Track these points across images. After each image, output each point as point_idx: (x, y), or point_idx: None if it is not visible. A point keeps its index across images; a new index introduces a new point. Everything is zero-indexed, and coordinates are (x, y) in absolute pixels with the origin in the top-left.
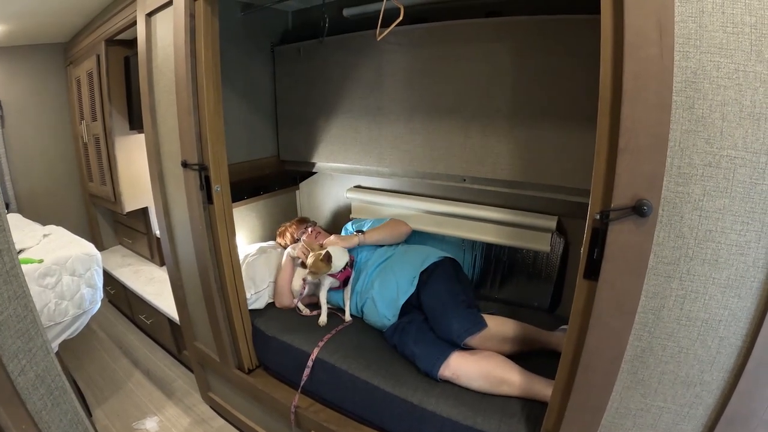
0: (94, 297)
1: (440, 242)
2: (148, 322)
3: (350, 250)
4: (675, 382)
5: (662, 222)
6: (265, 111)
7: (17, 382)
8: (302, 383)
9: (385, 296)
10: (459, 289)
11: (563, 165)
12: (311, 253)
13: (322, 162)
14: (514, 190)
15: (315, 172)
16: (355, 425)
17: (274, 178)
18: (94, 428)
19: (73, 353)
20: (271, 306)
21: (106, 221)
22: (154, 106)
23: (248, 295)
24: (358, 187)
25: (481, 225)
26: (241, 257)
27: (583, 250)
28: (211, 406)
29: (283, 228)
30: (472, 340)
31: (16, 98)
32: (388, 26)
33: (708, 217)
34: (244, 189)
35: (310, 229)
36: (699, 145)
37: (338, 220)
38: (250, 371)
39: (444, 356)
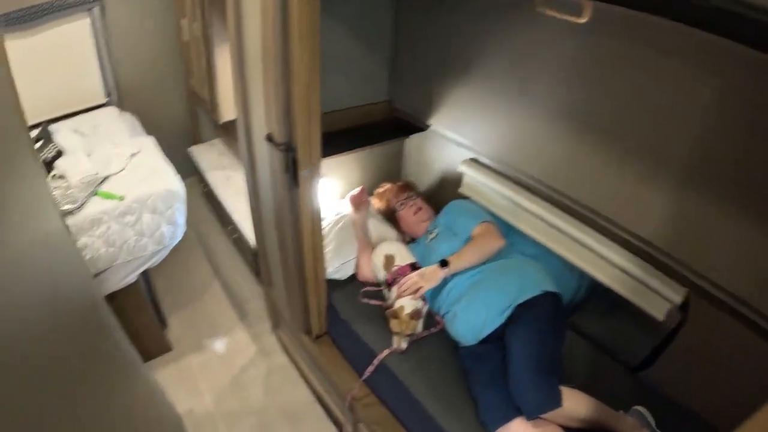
0: (174, 233)
1: (548, 254)
2: (233, 237)
3: None
4: None
5: None
6: (379, 50)
7: None
8: (363, 378)
9: (469, 319)
10: (549, 344)
11: (729, 257)
12: (394, 320)
13: (439, 127)
14: (650, 250)
15: (429, 126)
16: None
17: (382, 125)
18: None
19: None
20: (353, 279)
21: (208, 117)
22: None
23: (333, 267)
24: (475, 161)
25: (601, 261)
26: (332, 216)
27: None
28: (278, 340)
29: (383, 190)
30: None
31: None
32: None
33: None
34: (345, 139)
35: (410, 203)
36: None
37: (446, 189)
38: (317, 337)
39: (506, 419)
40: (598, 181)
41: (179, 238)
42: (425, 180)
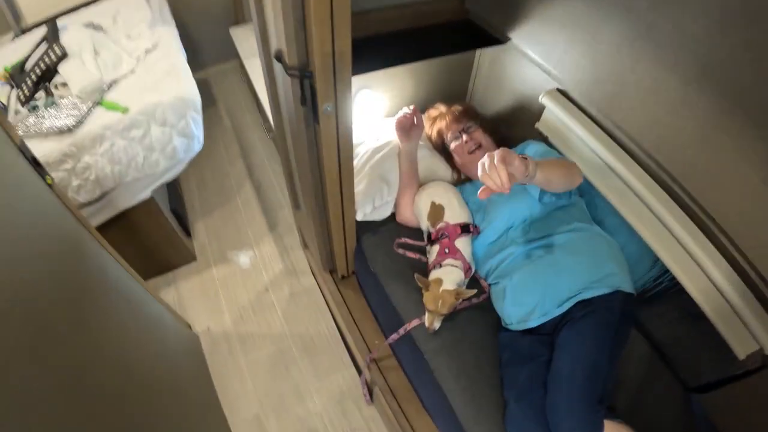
0: (189, 146)
1: (630, 233)
2: (269, 135)
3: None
4: None
5: None
6: None
7: None
8: (387, 342)
9: (518, 300)
10: (605, 363)
11: None
12: (427, 293)
13: (522, 43)
14: (759, 283)
15: (509, 39)
16: (417, 407)
17: (449, 29)
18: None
19: None
20: (391, 218)
21: None
22: None
23: (365, 211)
24: (562, 94)
25: (696, 270)
26: (370, 142)
27: None
28: (307, 260)
29: (437, 113)
30: None
31: None
32: None
33: None
34: (399, 44)
35: (465, 137)
36: None
37: (518, 121)
38: (343, 277)
39: None
40: (726, 180)
41: (196, 151)
42: (494, 105)
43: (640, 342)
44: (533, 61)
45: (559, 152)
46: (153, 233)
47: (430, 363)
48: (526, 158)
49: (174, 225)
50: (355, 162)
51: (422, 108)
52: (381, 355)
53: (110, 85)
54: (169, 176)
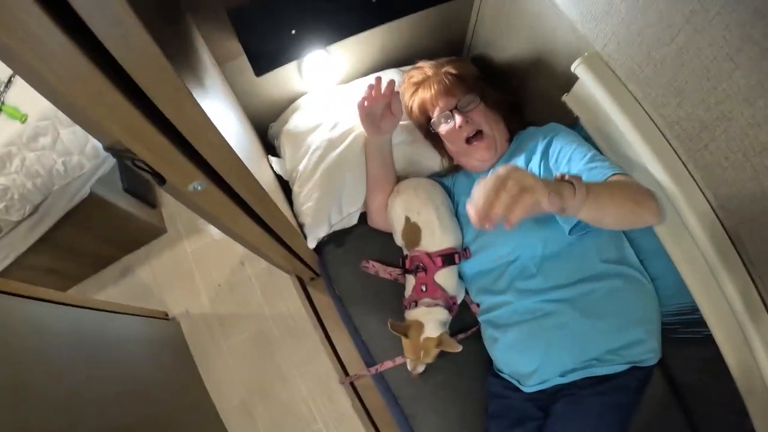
0: None
1: (668, 256)
2: None
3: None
4: None
5: None
6: None
7: None
8: (361, 373)
9: (511, 359)
10: None
11: None
12: (407, 341)
13: None
14: None
15: None
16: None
17: None
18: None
19: None
20: (360, 224)
21: None
22: None
23: (321, 231)
24: (603, 64)
25: (741, 340)
26: (330, 129)
27: None
28: None
29: (420, 77)
30: None
31: None
32: None
33: None
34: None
35: (458, 119)
36: None
37: (535, 88)
38: (312, 279)
39: None
40: None
41: None
42: (500, 63)
43: (657, 378)
44: (562, 11)
45: (594, 144)
46: (106, 222)
47: (405, 410)
48: (569, 179)
49: (130, 206)
50: (302, 163)
51: (399, 65)
52: (357, 371)
53: (9, 81)
54: (102, 170)
